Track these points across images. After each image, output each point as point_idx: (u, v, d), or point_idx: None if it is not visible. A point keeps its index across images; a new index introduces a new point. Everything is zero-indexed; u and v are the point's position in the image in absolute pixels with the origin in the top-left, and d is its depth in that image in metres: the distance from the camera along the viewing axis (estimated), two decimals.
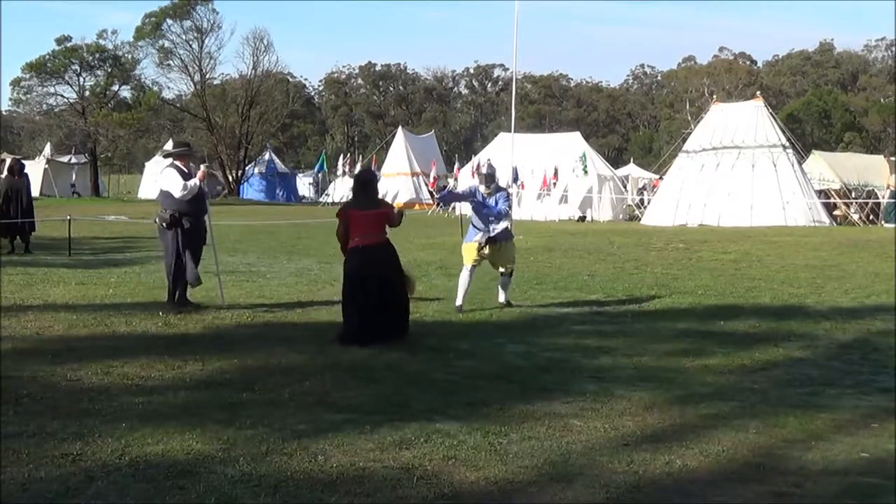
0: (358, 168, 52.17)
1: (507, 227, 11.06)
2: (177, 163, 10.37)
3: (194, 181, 10.17)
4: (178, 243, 10.11)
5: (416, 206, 42.40)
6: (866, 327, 9.95)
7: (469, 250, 10.93)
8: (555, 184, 37.59)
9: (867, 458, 5.28)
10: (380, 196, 9.95)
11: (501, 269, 11.13)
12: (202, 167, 10.74)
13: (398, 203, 43.19)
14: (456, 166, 46.29)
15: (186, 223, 10.14)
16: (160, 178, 10.60)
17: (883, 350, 8.66)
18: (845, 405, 6.52)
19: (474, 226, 10.96)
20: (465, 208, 35.66)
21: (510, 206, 11.46)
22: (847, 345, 8.90)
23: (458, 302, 10.65)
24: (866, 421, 6.06)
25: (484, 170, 11.50)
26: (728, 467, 5.07)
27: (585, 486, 4.70)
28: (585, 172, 37.59)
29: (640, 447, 5.35)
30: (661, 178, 47.43)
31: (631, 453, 5.22)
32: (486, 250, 10.85)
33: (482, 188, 11.05)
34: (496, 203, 10.86)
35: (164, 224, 10.19)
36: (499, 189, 11.22)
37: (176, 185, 10.09)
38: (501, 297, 11.12)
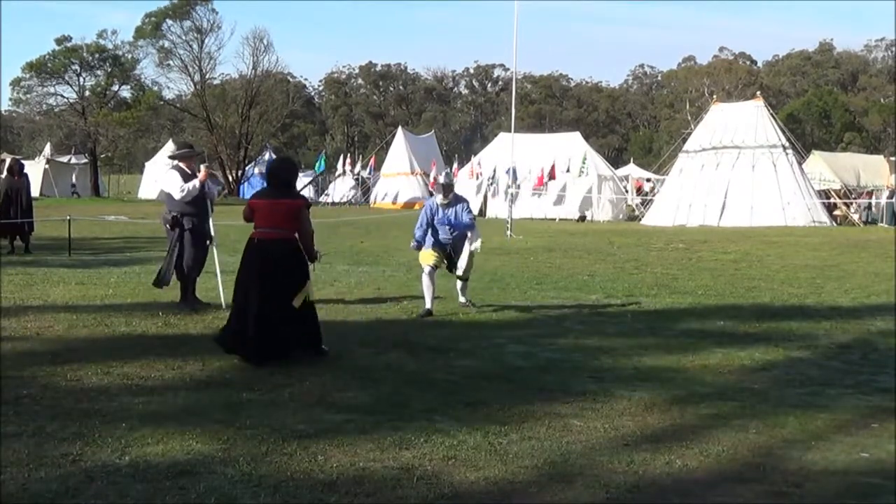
0: (358, 168, 52.32)
1: (469, 242, 10.54)
2: (180, 164, 10.42)
3: (194, 182, 10.19)
4: (184, 242, 10.17)
5: (417, 206, 42.41)
6: (866, 327, 9.95)
7: (426, 255, 10.53)
8: (549, 180, 37.53)
9: (867, 458, 5.28)
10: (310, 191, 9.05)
11: (458, 276, 10.79)
12: (202, 167, 10.74)
13: (397, 204, 43.30)
14: (455, 166, 46.30)
15: (189, 223, 10.19)
16: (163, 179, 10.66)
17: (883, 350, 8.66)
18: (845, 405, 6.52)
19: (439, 240, 10.55)
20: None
21: (473, 217, 10.84)
22: (847, 345, 8.90)
23: (427, 306, 10.29)
24: (866, 421, 6.06)
25: (442, 179, 10.98)
26: (728, 467, 5.07)
27: (585, 486, 4.70)
28: (585, 173, 37.58)
29: (640, 447, 5.35)
30: (645, 179, 47.50)
31: (631, 453, 5.22)
32: (444, 262, 10.60)
33: (439, 198, 10.56)
34: (456, 216, 10.46)
35: (168, 225, 10.24)
36: (458, 199, 10.75)
37: (175, 187, 10.14)
38: (462, 299, 10.83)
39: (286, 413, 5.95)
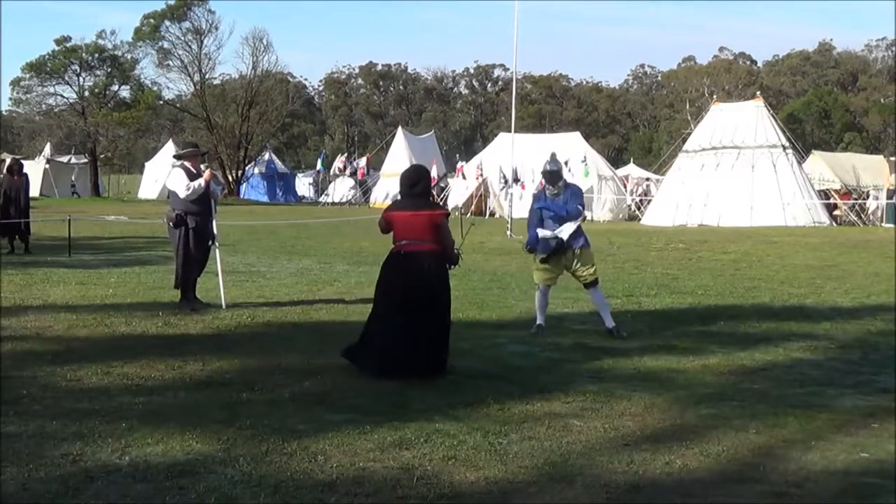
0: (350, 168, 52.32)
1: (581, 231, 9.28)
2: (186, 163, 10.44)
3: (199, 182, 10.24)
4: (186, 241, 10.19)
5: None
6: (866, 327, 9.94)
7: (538, 272, 9.39)
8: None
9: (867, 458, 5.27)
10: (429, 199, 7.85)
11: (584, 281, 9.43)
12: (203, 168, 10.76)
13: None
14: (459, 164, 46.30)
15: (192, 222, 10.21)
16: (168, 178, 10.69)
17: (883, 350, 8.65)
18: (845, 405, 6.51)
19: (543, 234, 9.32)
20: (463, 203, 35.63)
21: (583, 205, 9.50)
22: (847, 345, 8.90)
23: (538, 321, 9.31)
24: (866, 421, 6.05)
25: (547, 167, 9.42)
26: (728, 467, 5.07)
27: (585, 486, 4.70)
28: (587, 174, 37.58)
29: (640, 447, 5.35)
30: (644, 178, 47.30)
31: (631, 453, 5.22)
32: (553, 263, 9.28)
33: (548, 190, 9.34)
34: (565, 202, 9.18)
35: (171, 223, 10.27)
36: (568, 185, 9.47)
37: (181, 185, 10.18)
38: (608, 322, 9.23)
39: (286, 413, 5.95)
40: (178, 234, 10.26)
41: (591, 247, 9.51)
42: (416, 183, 7.50)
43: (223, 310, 10.21)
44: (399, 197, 7.74)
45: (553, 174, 9.33)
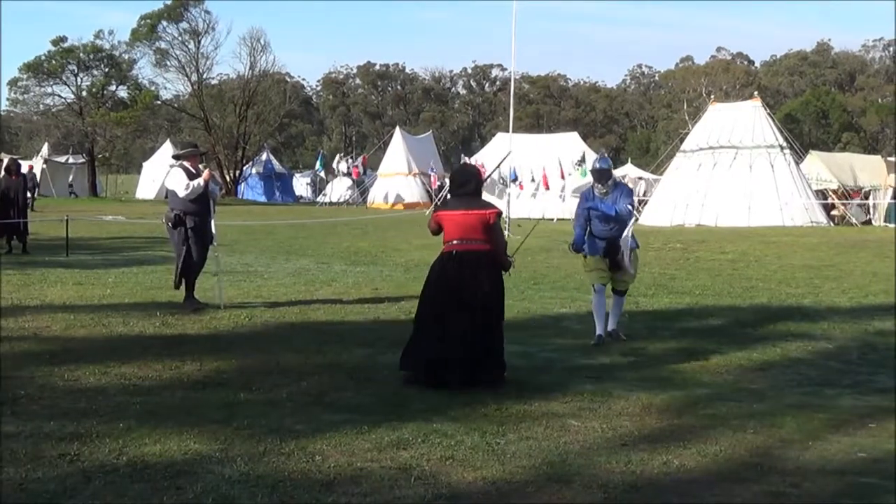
0: (345, 166, 52.29)
1: (631, 233, 8.94)
2: (185, 163, 10.45)
3: (199, 181, 10.25)
4: (186, 241, 10.19)
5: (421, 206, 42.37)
6: (864, 327, 9.96)
7: (591, 272, 9.09)
8: (563, 179, 37.52)
9: (865, 458, 5.28)
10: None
11: (616, 286, 9.20)
12: (201, 167, 10.76)
13: (397, 204, 43.28)
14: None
15: (191, 222, 10.22)
16: (167, 177, 10.71)
17: (881, 350, 8.67)
18: (843, 405, 6.52)
19: (595, 235, 8.98)
20: None
21: (633, 205, 9.21)
22: (845, 345, 8.91)
23: (598, 331, 8.80)
24: (864, 421, 6.06)
25: (596, 164, 9.13)
26: (726, 467, 5.07)
27: (583, 486, 4.70)
28: (584, 175, 37.59)
29: (638, 447, 5.35)
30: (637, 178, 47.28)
31: (629, 453, 5.22)
32: (600, 261, 9.01)
33: (597, 189, 8.97)
34: (614, 202, 8.84)
35: (170, 223, 10.27)
36: (618, 184, 9.16)
37: (181, 185, 10.19)
38: (610, 325, 8.98)
39: (284, 413, 5.95)
40: (178, 234, 10.26)
41: (638, 248, 9.28)
42: (466, 182, 7.31)
43: (221, 310, 10.20)
44: (449, 197, 7.50)
45: (602, 172, 9.01)
